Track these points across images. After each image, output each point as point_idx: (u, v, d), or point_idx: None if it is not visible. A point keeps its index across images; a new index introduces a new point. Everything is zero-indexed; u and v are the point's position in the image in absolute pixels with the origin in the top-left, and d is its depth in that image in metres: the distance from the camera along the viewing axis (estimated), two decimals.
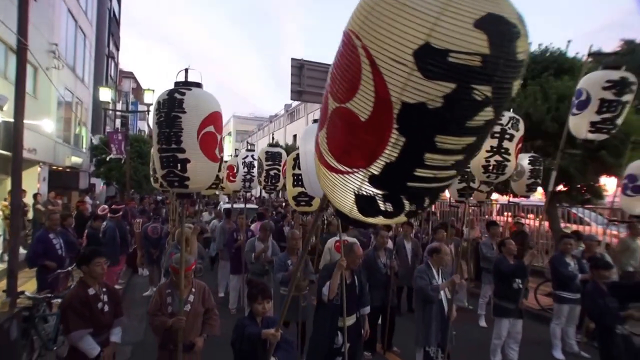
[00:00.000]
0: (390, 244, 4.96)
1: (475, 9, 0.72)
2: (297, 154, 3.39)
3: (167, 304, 2.78)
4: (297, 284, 4.02)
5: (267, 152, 4.92)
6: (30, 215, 9.22)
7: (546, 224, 7.03)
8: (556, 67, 6.51)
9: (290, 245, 4.30)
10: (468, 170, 3.44)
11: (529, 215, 8.48)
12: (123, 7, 24.92)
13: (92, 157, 15.87)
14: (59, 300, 3.56)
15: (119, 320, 2.86)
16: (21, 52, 3.65)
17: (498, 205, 9.93)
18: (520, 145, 3.35)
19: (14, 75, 3.65)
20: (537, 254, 4.30)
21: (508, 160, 3.31)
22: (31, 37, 4.13)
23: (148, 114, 16.60)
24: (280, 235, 6.49)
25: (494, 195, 8.08)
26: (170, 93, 2.30)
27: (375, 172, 0.88)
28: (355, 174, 0.92)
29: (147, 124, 30.92)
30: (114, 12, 22.13)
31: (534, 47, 7.20)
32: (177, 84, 2.35)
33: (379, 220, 1.00)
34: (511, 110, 3.64)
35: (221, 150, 2.63)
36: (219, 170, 4.52)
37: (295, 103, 32.09)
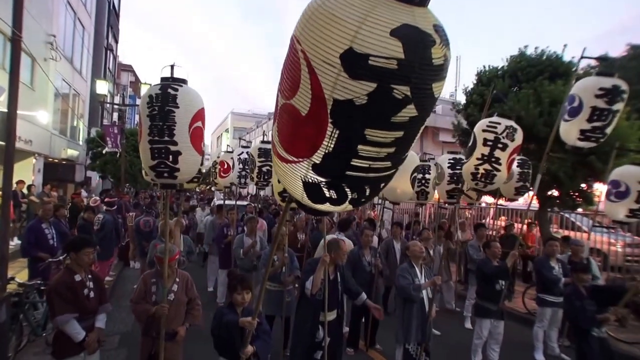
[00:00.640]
0: (375, 243, 5.06)
1: (392, 19, 0.85)
2: None
3: (152, 293, 2.90)
4: (282, 280, 4.17)
5: (260, 149, 5.01)
6: (25, 207, 9.35)
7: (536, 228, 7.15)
8: (551, 70, 6.61)
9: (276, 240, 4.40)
10: (458, 171, 3.53)
11: (525, 220, 8.57)
12: None
13: (88, 150, 16.01)
14: None
15: (104, 307, 2.96)
16: (15, 42, 3.77)
17: (493, 210, 10.03)
18: (514, 156, 3.36)
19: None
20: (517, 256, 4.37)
21: (498, 170, 3.33)
22: (29, 27, 4.24)
23: None
24: None
25: (489, 199, 8.18)
26: (163, 88, 2.47)
27: (317, 162, 1.01)
28: (301, 163, 1.05)
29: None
30: (113, 4, 22.27)
31: (530, 50, 7.31)
32: (163, 79, 2.50)
33: (327, 207, 1.13)
34: (496, 113, 3.70)
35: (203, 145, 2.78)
36: (201, 164, 4.67)
37: None
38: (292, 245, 5.39)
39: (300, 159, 1.05)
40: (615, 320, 5.08)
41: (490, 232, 8.18)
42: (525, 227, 7.02)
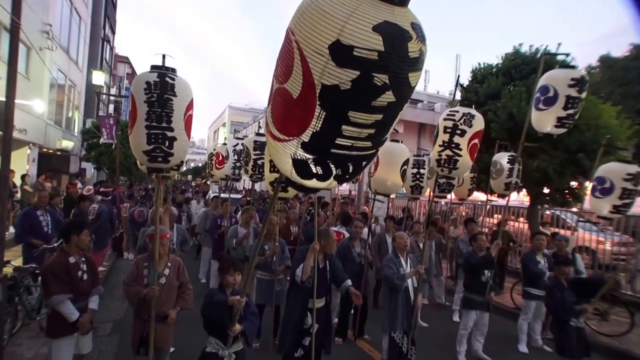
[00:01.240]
0: (365, 234, 5.20)
1: (375, 16, 1.01)
2: None
3: (143, 276, 2.99)
4: (273, 269, 4.30)
5: (255, 142, 5.09)
6: (18, 196, 9.37)
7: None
8: (545, 69, 6.78)
9: (267, 230, 4.50)
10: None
11: (519, 218, 8.75)
12: None
13: (84, 142, 16.00)
14: None
15: (97, 289, 3.06)
16: (14, 31, 3.80)
17: (488, 207, 10.23)
18: (475, 142, 3.56)
19: (7, 54, 3.80)
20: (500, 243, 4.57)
21: (459, 155, 3.55)
22: (24, 16, 4.27)
23: None
24: None
25: (483, 197, 8.33)
26: (161, 76, 2.59)
27: (306, 140, 1.16)
28: (291, 141, 1.20)
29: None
30: None
31: (524, 48, 7.46)
32: (153, 67, 2.62)
33: (314, 182, 1.27)
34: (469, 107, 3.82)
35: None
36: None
37: None
38: (285, 237, 5.49)
39: (291, 138, 1.19)
40: (597, 314, 5.37)
41: (485, 230, 8.39)
42: (597, 236, 6.97)
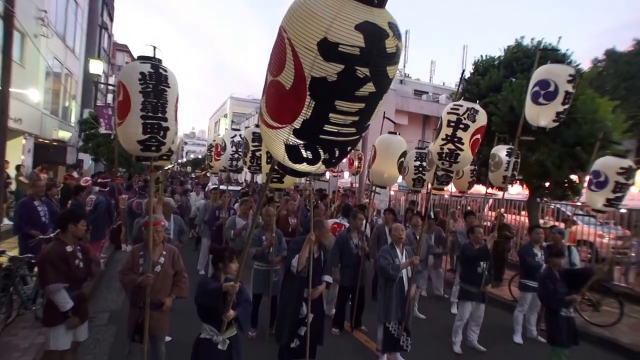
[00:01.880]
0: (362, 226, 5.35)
1: (357, 17, 1.19)
2: None
3: (139, 265, 3.10)
4: (270, 260, 4.45)
5: (254, 133, 5.16)
6: (13, 187, 9.47)
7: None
8: (546, 62, 6.91)
9: (265, 221, 4.67)
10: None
11: (522, 212, 8.91)
12: None
13: (81, 132, 16.11)
14: None
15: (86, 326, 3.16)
16: (8, 18, 3.88)
17: (490, 200, 10.40)
18: (477, 137, 3.70)
19: (1, 42, 3.85)
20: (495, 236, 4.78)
21: (461, 150, 3.69)
22: (18, 1, 4.33)
23: None
24: None
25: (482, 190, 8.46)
26: (154, 67, 2.75)
27: (297, 127, 1.34)
28: (284, 128, 1.38)
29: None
30: None
31: (526, 41, 7.57)
32: (141, 57, 2.79)
33: (304, 167, 1.45)
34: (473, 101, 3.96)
35: None
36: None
37: None
38: (283, 229, 5.66)
39: (284, 125, 1.37)
40: (590, 305, 5.57)
41: (487, 223, 8.56)
42: (595, 229, 7.04)
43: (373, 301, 5.85)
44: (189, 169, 47.77)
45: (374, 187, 5.26)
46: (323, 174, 5.06)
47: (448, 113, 3.77)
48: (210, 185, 11.45)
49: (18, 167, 9.76)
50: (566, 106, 4.18)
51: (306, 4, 1.25)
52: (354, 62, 1.22)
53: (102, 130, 13.25)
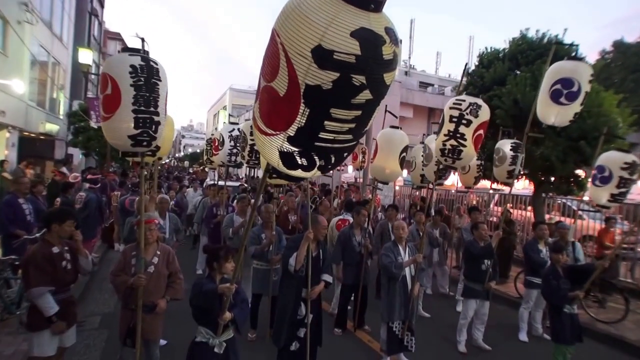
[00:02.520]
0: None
1: (352, 23, 1.20)
2: None
3: (131, 265, 3.07)
4: (270, 259, 4.47)
5: (252, 127, 5.17)
6: None
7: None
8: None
9: (264, 218, 4.70)
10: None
11: (528, 208, 8.96)
12: None
13: (70, 125, 15.99)
14: None
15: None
16: None
17: (497, 196, 10.46)
18: (480, 132, 3.71)
19: None
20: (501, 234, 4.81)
21: (464, 146, 3.71)
22: None
23: None
24: None
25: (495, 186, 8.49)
26: (145, 60, 2.76)
27: (291, 134, 1.36)
28: (278, 135, 1.40)
29: None
30: None
31: (531, 33, 7.56)
32: (127, 49, 2.81)
33: (299, 173, 1.48)
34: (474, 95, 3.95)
35: None
36: None
37: None
38: (283, 226, 5.70)
39: (278, 132, 1.40)
40: (595, 302, 5.66)
41: (494, 219, 8.61)
42: (601, 224, 6.80)
43: (377, 300, 5.93)
44: (186, 163, 47.69)
45: (376, 183, 5.28)
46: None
47: (450, 108, 3.77)
48: (208, 181, 11.44)
49: (1, 163, 9.49)
50: (582, 106, 4.14)
51: (300, 7, 1.25)
52: (349, 70, 1.23)
53: (94, 123, 13.18)
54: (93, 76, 19.58)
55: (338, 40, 1.20)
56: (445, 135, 3.76)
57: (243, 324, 2.84)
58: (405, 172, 10.48)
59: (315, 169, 1.46)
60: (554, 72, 4.27)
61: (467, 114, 3.63)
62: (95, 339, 4.27)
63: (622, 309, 5.46)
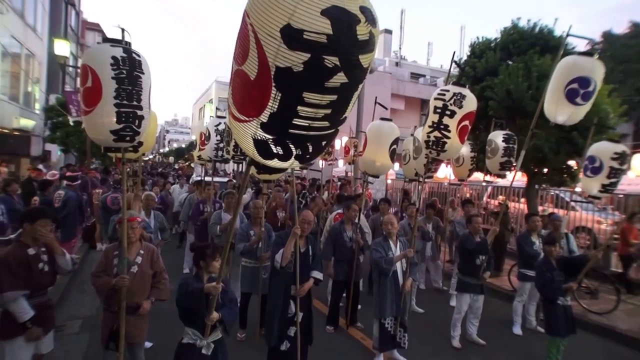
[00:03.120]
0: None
1: (323, 1, 1.16)
2: None
3: (113, 265, 3.01)
4: (259, 256, 4.44)
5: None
6: None
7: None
8: (542, 44, 6.98)
9: (253, 215, 4.66)
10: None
11: (522, 200, 9.08)
12: None
13: (47, 120, 15.66)
14: None
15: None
16: None
17: (490, 188, 10.57)
18: (465, 123, 3.69)
19: None
20: (497, 231, 4.87)
21: (448, 137, 3.70)
22: None
23: None
24: None
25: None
26: (127, 52, 2.70)
27: (264, 120, 1.32)
28: (251, 122, 1.36)
29: None
30: None
31: (522, 23, 7.61)
32: (108, 40, 2.73)
33: (275, 162, 1.45)
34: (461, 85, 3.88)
35: None
36: None
37: None
38: (272, 223, 5.66)
39: (250, 118, 1.36)
40: (588, 293, 5.78)
41: (483, 212, 8.72)
42: (624, 220, 6.63)
43: (370, 296, 5.95)
44: (171, 159, 47.32)
45: (366, 177, 5.28)
46: (312, 163, 5.05)
47: (435, 99, 3.76)
48: (195, 177, 11.34)
49: None
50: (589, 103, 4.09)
51: None
52: (321, 51, 1.20)
53: (73, 118, 12.90)
54: (71, 69, 19.17)
55: (308, 18, 1.17)
56: (429, 126, 3.76)
57: (232, 324, 2.81)
58: (397, 165, 10.51)
59: (292, 158, 1.43)
60: (567, 68, 4.07)
61: (450, 104, 3.61)
62: (76, 344, 4.18)
63: (613, 300, 5.59)
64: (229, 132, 5.57)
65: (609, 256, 7.04)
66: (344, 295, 5.17)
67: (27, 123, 14.48)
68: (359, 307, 5.25)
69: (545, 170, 6.95)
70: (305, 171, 14.03)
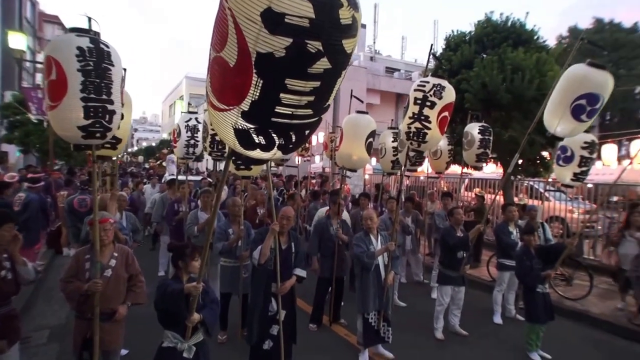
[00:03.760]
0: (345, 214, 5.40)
1: None
2: None
3: (85, 270, 2.90)
4: (238, 255, 4.37)
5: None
6: None
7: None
8: (515, 37, 7.26)
9: (231, 213, 4.58)
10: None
11: (500, 192, 9.41)
12: None
13: (3, 119, 14.83)
14: None
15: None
16: None
17: (467, 180, 10.86)
18: (445, 114, 3.78)
19: None
20: (482, 228, 4.99)
21: (428, 128, 3.78)
22: None
23: None
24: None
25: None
26: (94, 42, 2.58)
27: (245, 109, 1.29)
28: (231, 110, 1.33)
29: None
30: None
31: (495, 16, 7.90)
32: (74, 30, 2.61)
33: (257, 153, 1.42)
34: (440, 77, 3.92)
35: None
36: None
37: None
38: (251, 220, 5.59)
39: (231, 107, 1.32)
40: (563, 280, 6.06)
41: (461, 204, 8.97)
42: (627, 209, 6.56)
43: (352, 292, 5.99)
44: (140, 158, 45.91)
45: (344, 171, 5.29)
46: (288, 159, 5.01)
47: (415, 90, 3.82)
48: (167, 176, 11.05)
49: None
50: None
51: None
52: (303, 35, 1.18)
53: (33, 116, 12.25)
54: (28, 64, 18.16)
55: (289, 2, 1.15)
56: (410, 118, 3.81)
57: (213, 325, 2.76)
58: (374, 160, 10.60)
59: (275, 148, 1.40)
60: (578, 82, 3.85)
61: (430, 95, 3.69)
62: (44, 355, 4.02)
63: (586, 286, 5.87)
64: (204, 128, 5.44)
65: (581, 244, 7.41)
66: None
67: None
68: (342, 303, 5.28)
69: (520, 161, 7.22)
70: (281, 168, 13.96)
